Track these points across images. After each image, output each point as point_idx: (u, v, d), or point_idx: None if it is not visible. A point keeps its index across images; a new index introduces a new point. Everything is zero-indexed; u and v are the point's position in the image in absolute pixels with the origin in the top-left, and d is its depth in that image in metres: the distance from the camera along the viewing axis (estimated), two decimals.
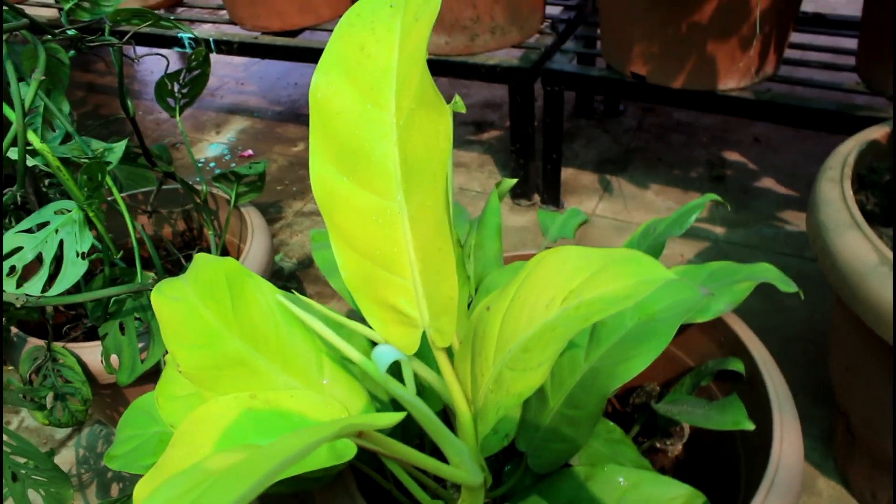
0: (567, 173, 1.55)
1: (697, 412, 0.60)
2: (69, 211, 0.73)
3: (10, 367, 0.83)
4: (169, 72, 0.90)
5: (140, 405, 0.62)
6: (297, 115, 1.93)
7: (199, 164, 1.75)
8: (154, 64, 2.31)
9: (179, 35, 1.55)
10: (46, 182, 0.87)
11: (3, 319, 0.78)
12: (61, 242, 0.70)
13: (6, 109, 0.69)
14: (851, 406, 0.82)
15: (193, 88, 0.94)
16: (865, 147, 0.83)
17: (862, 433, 0.81)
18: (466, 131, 1.77)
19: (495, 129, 1.77)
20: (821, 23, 1.43)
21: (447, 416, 0.61)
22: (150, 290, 0.60)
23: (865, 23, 1.10)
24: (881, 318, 0.65)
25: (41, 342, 0.79)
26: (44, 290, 0.69)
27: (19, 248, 0.70)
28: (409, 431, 0.62)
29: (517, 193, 1.48)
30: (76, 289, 0.79)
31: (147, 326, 0.78)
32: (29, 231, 0.71)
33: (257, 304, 0.53)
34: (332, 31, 0.60)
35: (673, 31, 1.12)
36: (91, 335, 0.89)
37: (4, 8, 0.71)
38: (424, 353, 0.56)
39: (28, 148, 0.69)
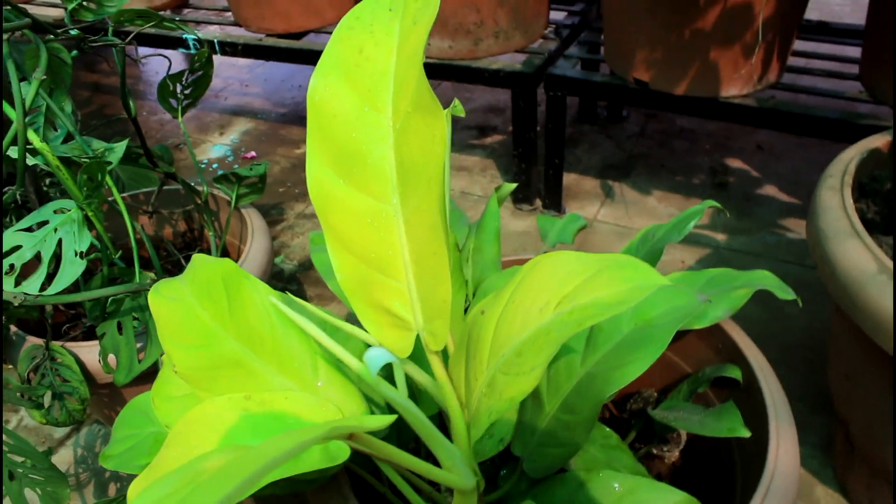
0: (569, 178, 1.55)
1: (693, 419, 0.60)
2: (68, 210, 0.73)
3: (10, 366, 0.83)
4: (172, 73, 0.91)
5: (136, 405, 0.62)
6: (300, 118, 1.93)
7: (202, 166, 1.75)
8: (159, 65, 2.32)
9: (184, 36, 1.56)
10: (47, 181, 0.87)
11: (3, 318, 0.79)
12: (60, 241, 0.70)
13: (6, 108, 0.69)
14: (850, 415, 0.81)
15: (196, 89, 0.94)
16: (867, 155, 0.83)
17: (861, 442, 0.81)
18: (469, 135, 1.77)
19: (498, 133, 1.77)
20: (825, 31, 1.43)
21: (443, 419, 0.61)
22: (149, 290, 0.60)
23: (869, 31, 1.10)
24: (880, 327, 0.65)
25: (40, 341, 0.79)
26: (42, 288, 0.69)
27: (18, 247, 0.70)
28: (404, 434, 0.62)
29: (519, 198, 1.48)
30: (75, 288, 0.79)
31: (145, 327, 0.78)
32: (28, 230, 0.72)
33: (253, 305, 0.53)
34: None
35: (676, 38, 1.12)
36: (90, 334, 0.89)
37: (7, 7, 0.72)
38: (419, 356, 0.56)
39: (28, 147, 0.69)
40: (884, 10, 1.04)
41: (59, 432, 1.08)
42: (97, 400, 0.89)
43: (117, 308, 0.77)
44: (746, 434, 0.55)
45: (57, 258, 0.71)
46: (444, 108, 0.44)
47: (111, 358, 0.77)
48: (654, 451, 0.71)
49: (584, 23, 1.52)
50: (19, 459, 0.72)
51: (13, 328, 0.83)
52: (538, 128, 1.38)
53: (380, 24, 0.46)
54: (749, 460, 0.63)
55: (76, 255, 0.69)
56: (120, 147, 0.78)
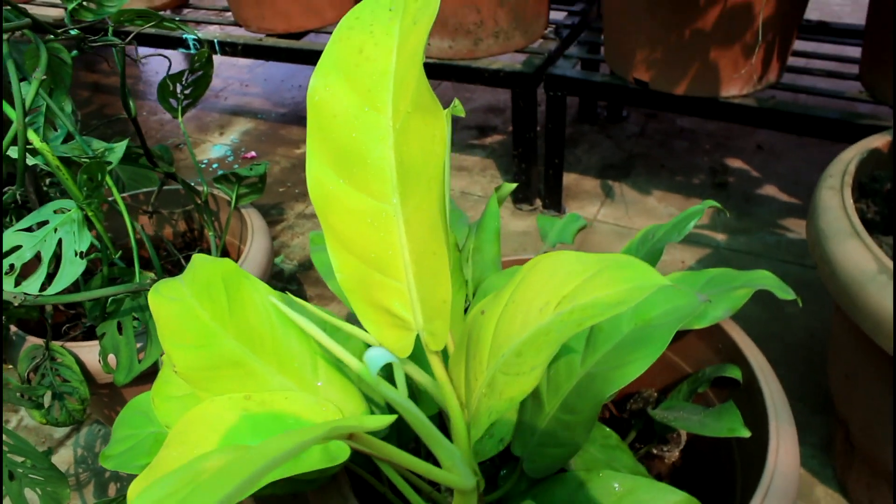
0: (569, 178, 1.55)
1: (693, 419, 0.60)
2: (68, 210, 0.73)
3: (10, 366, 0.83)
4: (172, 73, 0.91)
5: (136, 405, 0.62)
6: (300, 118, 1.93)
7: (202, 165, 1.75)
8: (159, 65, 2.32)
9: (184, 36, 1.56)
10: (47, 181, 0.88)
11: (3, 318, 0.79)
12: (60, 241, 0.70)
13: (6, 108, 0.69)
14: (850, 415, 0.81)
15: (196, 89, 0.94)
16: (867, 155, 0.83)
17: (861, 442, 0.81)
18: (469, 135, 1.77)
19: (498, 133, 1.77)
20: (825, 31, 1.43)
21: (443, 420, 0.61)
22: (148, 290, 0.60)
23: (869, 32, 1.10)
24: (879, 327, 0.65)
25: (40, 341, 0.79)
26: (42, 288, 0.69)
27: (18, 247, 0.70)
28: (404, 435, 0.62)
29: (519, 198, 1.48)
30: (75, 288, 0.79)
31: (145, 327, 0.78)
32: (28, 230, 0.72)
33: (253, 304, 0.53)
34: None
35: (676, 38, 1.12)
36: (90, 335, 0.89)
37: (7, 7, 0.72)
38: (420, 356, 0.56)
39: (28, 147, 0.69)
40: (884, 10, 1.04)
41: (59, 432, 1.08)
42: (97, 400, 0.89)
43: (117, 308, 0.77)
44: (746, 434, 0.55)
45: (57, 258, 0.71)
46: (445, 109, 0.44)
47: (111, 358, 0.77)
48: (655, 451, 0.71)
49: (584, 23, 1.52)
50: (19, 459, 0.72)
51: (13, 328, 0.83)
52: (538, 128, 1.38)
53: (380, 24, 0.46)
54: (749, 460, 0.63)
55: (76, 255, 0.69)
56: (120, 147, 0.78)
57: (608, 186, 1.52)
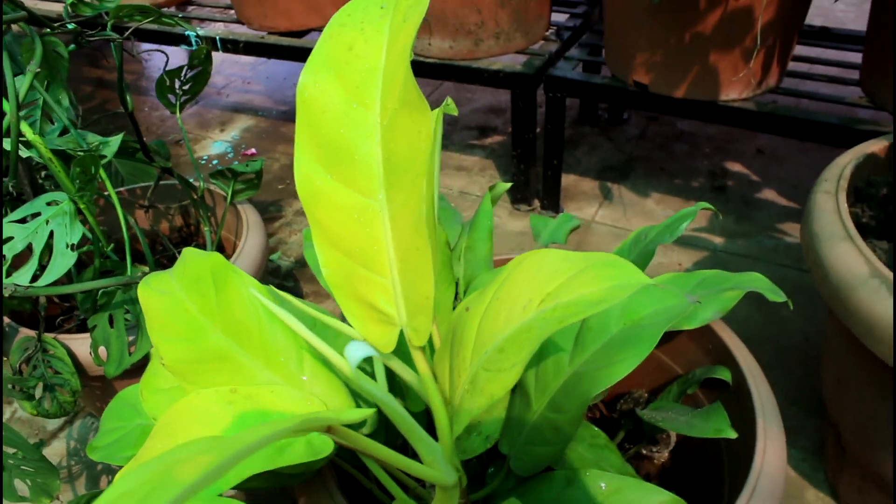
0: (568, 179, 1.55)
1: (681, 419, 0.60)
2: (60, 202, 0.73)
3: (4, 358, 0.83)
4: (170, 69, 0.91)
5: (125, 397, 0.62)
6: None
7: (203, 162, 1.76)
8: (162, 61, 2.31)
9: (186, 33, 1.56)
10: (42, 174, 0.88)
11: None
12: (52, 233, 0.70)
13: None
14: (842, 418, 0.81)
15: (195, 86, 0.94)
16: (863, 160, 0.83)
17: (852, 446, 0.81)
18: (469, 135, 1.77)
19: (498, 133, 1.77)
20: (827, 36, 1.43)
21: (430, 416, 0.61)
22: (139, 282, 0.60)
23: (870, 38, 1.10)
24: (871, 331, 0.65)
25: (32, 333, 0.79)
26: (33, 280, 0.69)
27: (10, 238, 0.70)
28: (392, 430, 0.62)
29: (517, 198, 1.48)
30: (67, 280, 0.79)
31: (137, 320, 0.79)
32: (21, 221, 0.72)
33: (240, 299, 0.53)
34: None
35: (675, 41, 1.12)
36: (84, 327, 0.89)
37: (4, 1, 0.72)
38: (407, 352, 0.56)
39: (22, 139, 0.70)
40: (884, 16, 1.04)
41: (53, 424, 1.08)
42: (89, 392, 0.89)
43: (109, 301, 0.78)
44: (733, 435, 0.55)
45: (49, 250, 0.71)
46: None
47: (102, 350, 0.77)
48: (644, 452, 0.71)
49: (585, 25, 1.52)
50: (10, 451, 0.72)
51: (6, 319, 0.83)
52: (538, 129, 1.38)
53: (371, 21, 0.46)
54: (737, 461, 0.63)
55: (67, 246, 0.70)
56: (115, 141, 0.78)
57: (607, 188, 1.52)
